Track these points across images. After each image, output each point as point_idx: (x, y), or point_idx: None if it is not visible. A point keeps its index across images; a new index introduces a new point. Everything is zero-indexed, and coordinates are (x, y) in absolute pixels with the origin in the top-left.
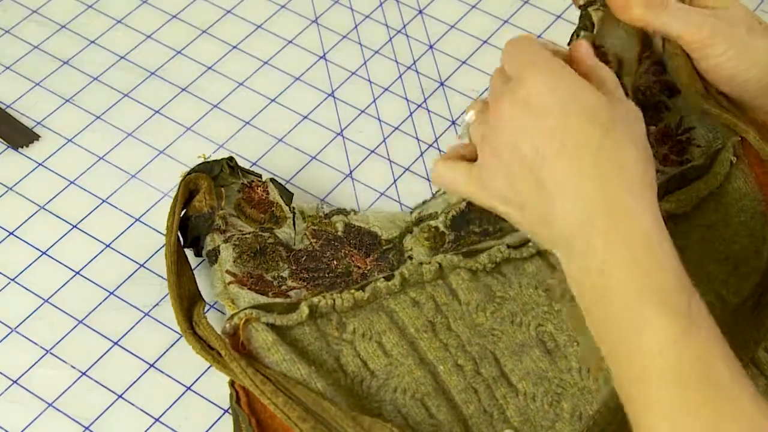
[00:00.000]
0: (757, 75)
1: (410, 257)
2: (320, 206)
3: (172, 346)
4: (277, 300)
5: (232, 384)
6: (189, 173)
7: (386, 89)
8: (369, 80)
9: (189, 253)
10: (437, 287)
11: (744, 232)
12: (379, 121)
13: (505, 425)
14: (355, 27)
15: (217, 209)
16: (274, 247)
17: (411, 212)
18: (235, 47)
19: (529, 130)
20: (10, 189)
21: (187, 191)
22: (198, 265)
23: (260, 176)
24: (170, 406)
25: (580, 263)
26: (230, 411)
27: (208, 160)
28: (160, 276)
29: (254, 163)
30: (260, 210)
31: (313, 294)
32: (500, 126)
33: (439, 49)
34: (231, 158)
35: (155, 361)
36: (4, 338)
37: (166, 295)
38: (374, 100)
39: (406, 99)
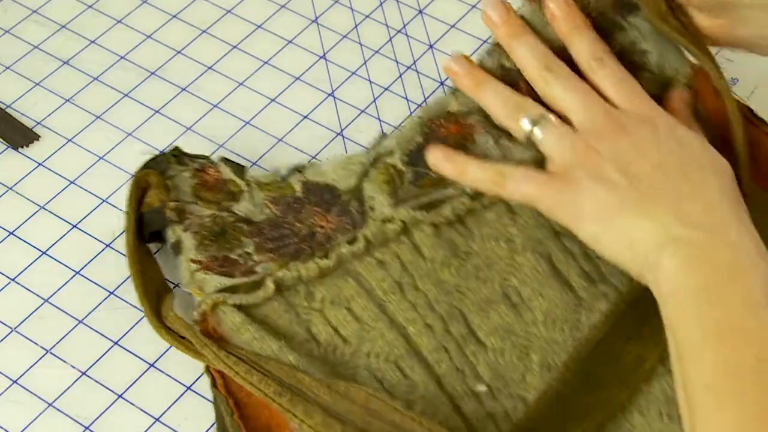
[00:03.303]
0: None
1: (372, 207)
2: (277, 171)
3: (172, 346)
4: (242, 280)
5: (207, 369)
6: (138, 172)
7: (386, 89)
8: (369, 80)
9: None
10: (401, 245)
11: None
12: (379, 121)
13: (476, 381)
14: (355, 27)
15: (167, 202)
16: (234, 225)
17: (368, 151)
18: (235, 47)
19: (652, 145)
20: (10, 189)
21: (140, 190)
22: (156, 251)
23: (208, 158)
24: (170, 406)
25: (702, 258)
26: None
27: (154, 154)
28: None
29: (254, 163)
30: (216, 191)
31: (279, 267)
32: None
33: (439, 49)
34: (176, 148)
35: (155, 361)
36: (4, 338)
37: None
38: (374, 100)
39: (406, 99)
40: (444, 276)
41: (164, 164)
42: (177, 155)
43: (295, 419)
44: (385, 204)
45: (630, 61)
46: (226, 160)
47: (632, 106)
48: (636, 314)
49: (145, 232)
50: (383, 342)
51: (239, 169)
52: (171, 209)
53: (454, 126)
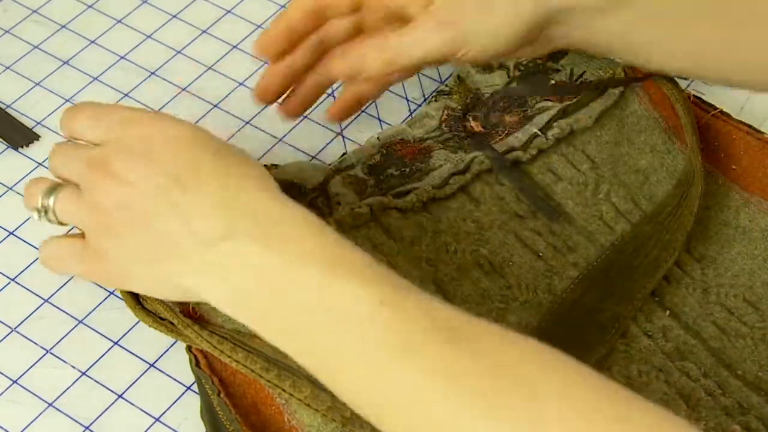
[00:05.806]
0: (508, 35)
1: (338, 202)
2: None
3: (172, 346)
4: None
5: (189, 349)
6: None
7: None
8: None
9: None
10: (371, 229)
11: (647, 148)
12: (379, 120)
13: None
14: None
15: None
16: None
17: (330, 165)
18: (235, 47)
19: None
20: (10, 189)
21: None
22: None
23: None
24: (170, 406)
25: (238, 275)
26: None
27: None
28: None
29: None
30: None
31: None
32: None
33: None
34: None
35: (155, 361)
36: (4, 338)
37: None
38: (374, 100)
39: (406, 99)
40: (415, 252)
41: None
42: None
43: (283, 394)
44: (351, 198)
45: (572, 85)
46: None
47: None
48: (607, 277)
49: None
50: None
51: None
52: None
53: (411, 148)
